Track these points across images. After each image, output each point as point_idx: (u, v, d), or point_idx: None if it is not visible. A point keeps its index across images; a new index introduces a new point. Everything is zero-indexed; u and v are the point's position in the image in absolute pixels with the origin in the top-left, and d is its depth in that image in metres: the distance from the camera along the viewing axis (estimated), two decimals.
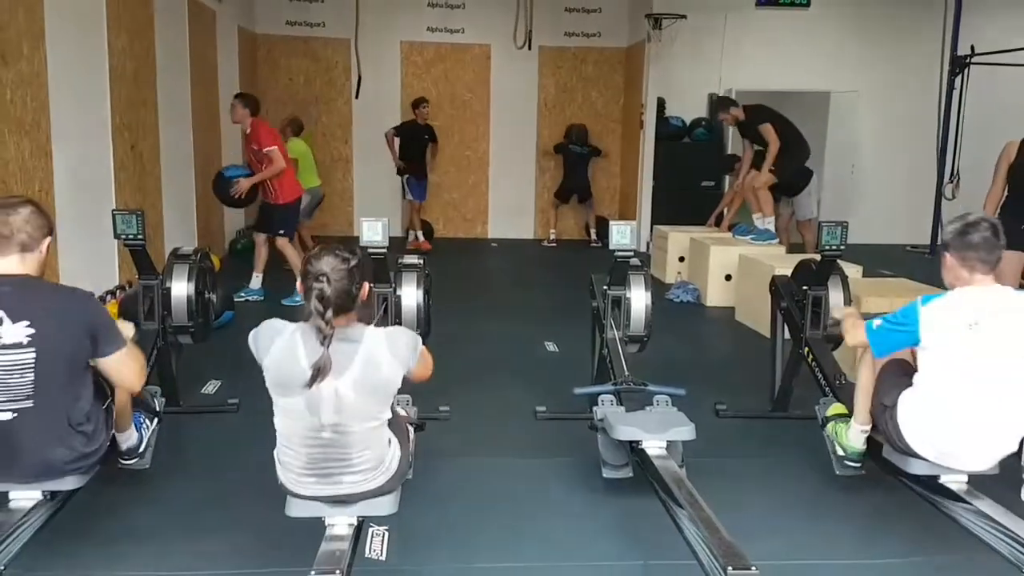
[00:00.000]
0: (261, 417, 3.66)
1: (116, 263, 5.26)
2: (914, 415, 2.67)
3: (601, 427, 3.09)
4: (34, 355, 2.25)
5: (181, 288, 3.50)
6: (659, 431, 2.89)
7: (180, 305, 3.49)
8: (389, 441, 2.32)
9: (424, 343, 2.44)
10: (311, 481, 2.26)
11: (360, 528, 2.38)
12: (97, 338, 2.37)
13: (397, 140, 9.15)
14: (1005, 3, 9.73)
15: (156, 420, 3.03)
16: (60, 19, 4.53)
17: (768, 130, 6.94)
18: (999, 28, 9.17)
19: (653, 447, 2.87)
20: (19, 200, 2.40)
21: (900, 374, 2.79)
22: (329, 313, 2.10)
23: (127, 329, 2.71)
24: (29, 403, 2.27)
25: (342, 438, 2.19)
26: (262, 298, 6.36)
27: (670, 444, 2.90)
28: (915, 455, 2.70)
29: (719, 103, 7.49)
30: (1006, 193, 4.60)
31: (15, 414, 2.27)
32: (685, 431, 2.90)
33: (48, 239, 2.40)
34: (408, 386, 2.42)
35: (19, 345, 2.23)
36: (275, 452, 2.31)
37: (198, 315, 3.56)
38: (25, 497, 2.40)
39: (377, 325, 2.29)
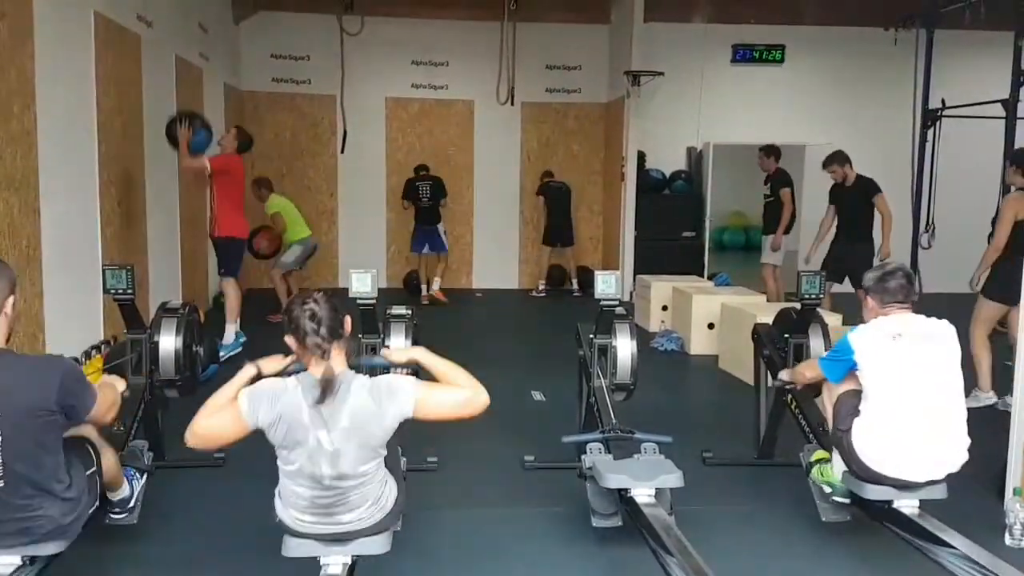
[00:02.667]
0: (247, 472, 3.68)
1: (101, 318, 5.24)
2: (865, 435, 2.91)
3: (590, 475, 3.10)
4: (0, 438, 2.14)
5: (169, 342, 3.51)
6: (648, 479, 2.91)
7: (168, 359, 3.49)
8: (385, 481, 2.39)
9: None
10: (310, 520, 2.33)
11: (354, 568, 2.42)
12: (71, 407, 2.26)
13: None
14: (973, 57, 10.07)
15: (145, 475, 3.02)
16: (50, 78, 4.59)
17: (882, 199, 6.92)
18: (969, 81, 9.46)
19: (642, 495, 2.89)
20: None
21: (852, 401, 3.03)
22: (323, 329, 2.23)
23: (119, 384, 2.71)
24: (0, 482, 2.17)
25: (342, 483, 2.27)
26: (239, 351, 6.06)
27: (659, 492, 2.92)
28: (872, 477, 2.91)
29: (834, 156, 7.08)
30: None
31: None
32: (673, 478, 2.92)
33: (12, 298, 2.26)
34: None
35: None
36: (276, 489, 2.37)
37: (185, 368, 3.56)
38: (4, 563, 2.35)
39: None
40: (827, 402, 3.26)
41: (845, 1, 9.88)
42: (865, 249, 6.92)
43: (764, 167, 8.04)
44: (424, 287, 9.27)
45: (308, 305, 2.26)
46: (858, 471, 2.95)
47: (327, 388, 2.18)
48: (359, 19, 9.46)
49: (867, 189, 6.94)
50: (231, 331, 6.12)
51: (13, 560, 2.36)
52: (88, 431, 2.51)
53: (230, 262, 6.15)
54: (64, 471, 2.31)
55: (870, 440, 2.90)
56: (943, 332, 2.95)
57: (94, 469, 2.50)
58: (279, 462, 2.30)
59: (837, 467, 3.11)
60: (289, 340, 2.29)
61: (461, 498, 3.58)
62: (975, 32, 9.59)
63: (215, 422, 2.26)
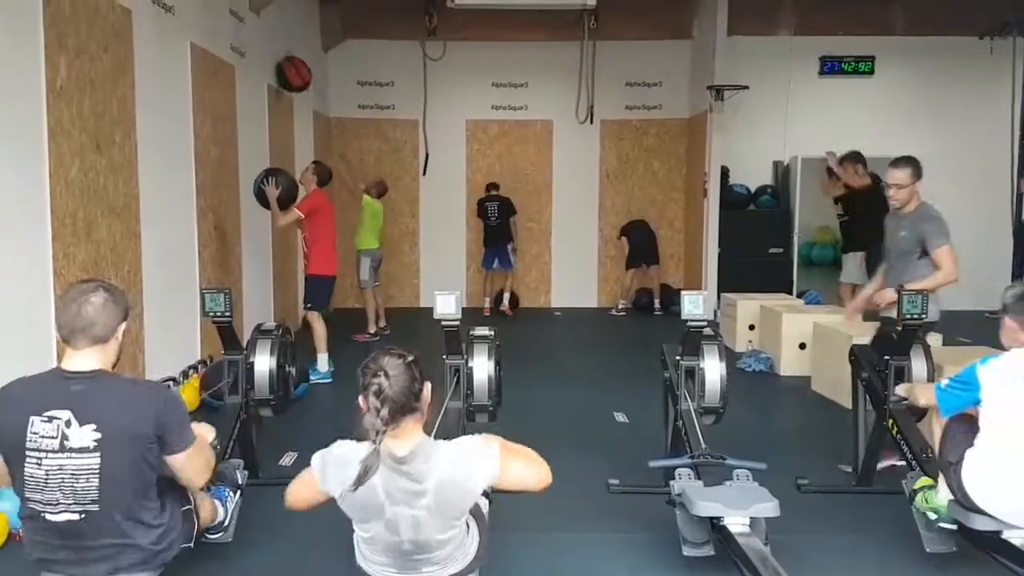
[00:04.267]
0: None
1: (198, 339, 5.44)
2: (978, 473, 2.78)
3: (680, 502, 3.03)
4: (99, 460, 2.18)
5: (264, 362, 3.60)
6: (742, 507, 2.82)
7: (263, 379, 3.58)
8: (467, 525, 2.29)
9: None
10: (393, 572, 2.24)
11: None
12: (165, 437, 2.28)
13: None
14: None
15: (239, 493, 3.09)
16: (149, 108, 4.81)
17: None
18: None
19: (736, 524, 2.80)
20: (92, 287, 2.31)
21: (964, 431, 2.90)
22: (385, 411, 2.04)
23: (208, 433, 2.67)
24: (95, 506, 2.21)
25: (424, 544, 2.18)
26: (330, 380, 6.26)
27: (753, 520, 2.83)
28: (980, 511, 2.78)
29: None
30: None
31: (82, 515, 2.21)
32: (769, 507, 2.83)
33: (123, 324, 2.34)
34: None
35: (85, 449, 2.17)
36: (354, 537, 2.27)
37: (279, 388, 3.65)
38: None
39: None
40: (935, 428, 3.14)
41: (936, 10, 9.55)
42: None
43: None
44: (487, 300, 9.67)
45: (377, 379, 2.07)
46: (964, 503, 2.84)
47: (364, 473, 2.03)
48: (441, 44, 9.67)
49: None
50: (324, 360, 6.31)
51: None
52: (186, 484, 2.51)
53: (316, 297, 6.36)
54: (156, 501, 2.33)
55: (983, 477, 2.78)
56: None
57: (191, 507, 2.52)
58: (355, 525, 2.23)
59: (943, 493, 2.98)
60: (361, 402, 2.11)
61: (546, 521, 3.53)
62: None
63: (298, 490, 2.31)
